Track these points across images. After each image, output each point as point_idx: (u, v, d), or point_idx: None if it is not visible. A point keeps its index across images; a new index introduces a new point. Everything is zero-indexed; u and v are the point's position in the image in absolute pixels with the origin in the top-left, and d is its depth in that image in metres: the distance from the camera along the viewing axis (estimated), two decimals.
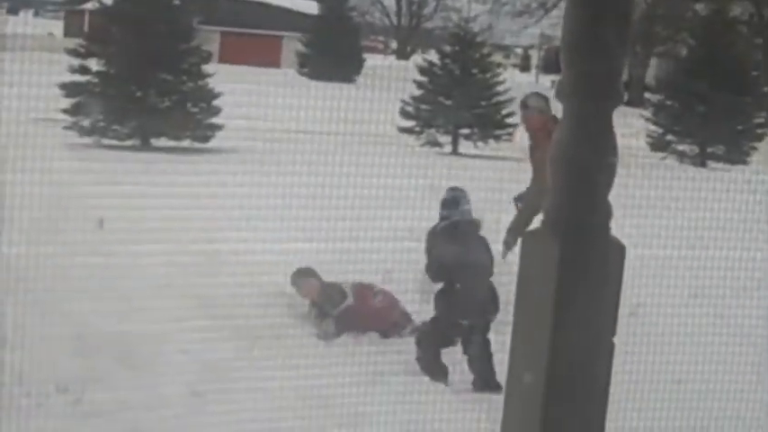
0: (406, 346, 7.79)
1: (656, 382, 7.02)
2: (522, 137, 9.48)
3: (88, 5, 43.70)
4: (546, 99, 10.08)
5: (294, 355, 6.92)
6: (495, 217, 9.01)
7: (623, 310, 3.90)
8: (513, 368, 3.90)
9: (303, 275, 8.33)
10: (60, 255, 7.08)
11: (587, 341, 3.72)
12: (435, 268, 7.62)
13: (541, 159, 8.83)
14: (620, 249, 3.80)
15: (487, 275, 7.68)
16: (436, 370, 7.52)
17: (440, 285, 7.66)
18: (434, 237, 7.77)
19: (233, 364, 6.92)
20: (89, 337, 6.99)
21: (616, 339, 3.84)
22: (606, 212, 3.78)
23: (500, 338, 7.05)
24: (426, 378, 7.38)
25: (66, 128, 18.15)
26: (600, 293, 3.72)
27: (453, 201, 7.89)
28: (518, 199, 10.03)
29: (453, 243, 7.63)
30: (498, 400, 4.15)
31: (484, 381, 7.41)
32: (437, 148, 23.68)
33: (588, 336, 3.72)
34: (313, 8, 49.56)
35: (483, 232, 7.86)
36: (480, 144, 24.12)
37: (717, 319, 7.71)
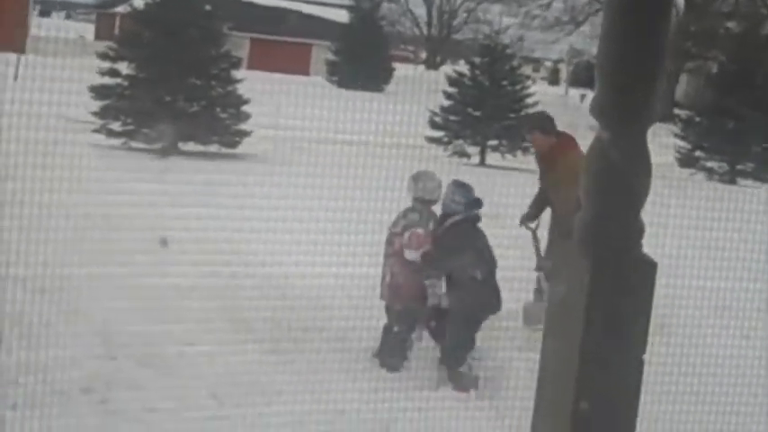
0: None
1: (679, 401, 7.03)
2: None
3: (120, 9, 44.03)
4: (551, 119, 9.56)
5: (312, 360, 6.97)
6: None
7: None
8: (542, 379, 3.90)
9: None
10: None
11: (618, 358, 3.71)
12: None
13: (553, 181, 8.76)
14: (651, 267, 3.78)
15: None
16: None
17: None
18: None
19: (252, 368, 6.99)
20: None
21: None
22: (639, 230, 3.76)
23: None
24: (450, 391, 7.42)
25: (95, 131, 18.24)
26: (631, 311, 3.71)
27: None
28: (524, 219, 9.55)
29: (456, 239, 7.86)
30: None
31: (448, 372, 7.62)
32: (465, 159, 23.66)
33: (619, 353, 3.71)
34: (343, 17, 49.63)
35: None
36: (508, 156, 24.06)
37: (741, 341, 7.71)
